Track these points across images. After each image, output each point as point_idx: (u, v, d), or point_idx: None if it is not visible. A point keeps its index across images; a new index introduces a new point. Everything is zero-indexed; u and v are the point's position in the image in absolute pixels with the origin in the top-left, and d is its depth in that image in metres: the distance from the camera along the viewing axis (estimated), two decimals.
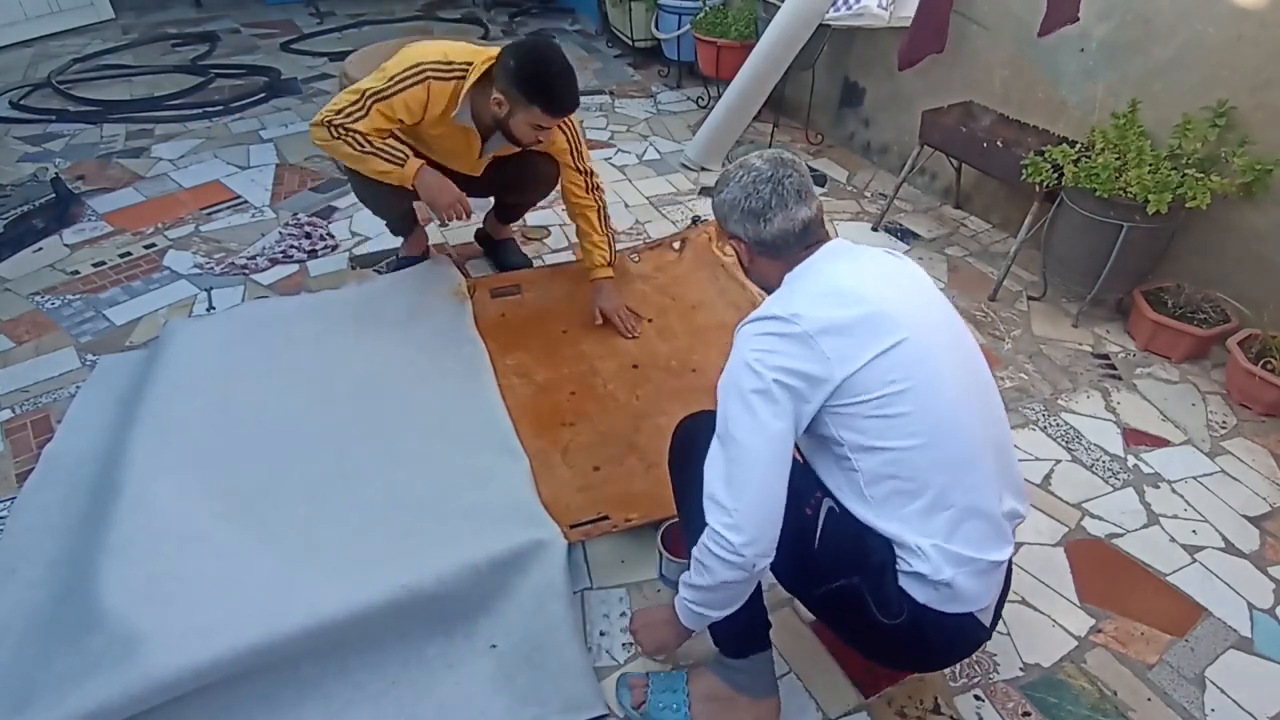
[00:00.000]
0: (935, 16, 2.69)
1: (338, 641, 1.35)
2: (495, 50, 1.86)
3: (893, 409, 1.04)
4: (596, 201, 2.15)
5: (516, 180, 2.24)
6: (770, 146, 3.30)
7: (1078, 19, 2.36)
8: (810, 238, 1.18)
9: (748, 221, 1.18)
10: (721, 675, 1.30)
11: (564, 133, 2.04)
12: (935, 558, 1.04)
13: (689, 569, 1.11)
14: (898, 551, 1.07)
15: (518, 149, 2.02)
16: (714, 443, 1.08)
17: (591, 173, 2.13)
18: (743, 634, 1.26)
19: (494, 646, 1.41)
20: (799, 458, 1.16)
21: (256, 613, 1.33)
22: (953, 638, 1.13)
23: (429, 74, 1.84)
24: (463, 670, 1.38)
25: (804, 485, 1.13)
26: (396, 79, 1.83)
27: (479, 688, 1.35)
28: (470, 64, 1.86)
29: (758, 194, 1.16)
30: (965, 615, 1.09)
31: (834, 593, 1.12)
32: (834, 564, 1.11)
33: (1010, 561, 1.15)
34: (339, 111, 1.83)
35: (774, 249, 1.19)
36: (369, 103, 1.83)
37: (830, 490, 1.13)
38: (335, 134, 1.84)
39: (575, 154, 2.08)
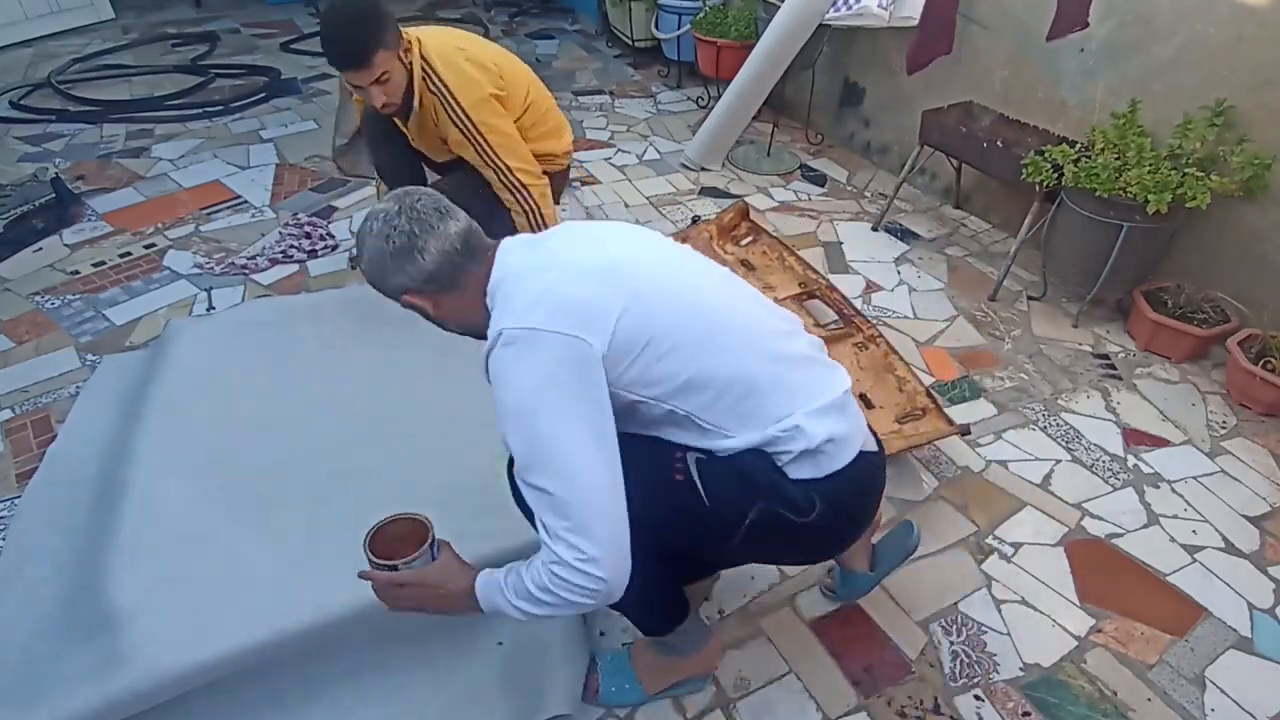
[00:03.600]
0: (941, 19, 2.69)
1: (345, 641, 1.35)
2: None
3: (664, 344, 1.02)
4: (522, 205, 2.02)
5: (451, 178, 2.15)
6: (772, 145, 3.32)
7: (1088, 24, 2.34)
8: (478, 250, 1.09)
9: (404, 264, 1.05)
10: (657, 649, 1.33)
11: (454, 124, 1.90)
12: (806, 426, 1.04)
13: (510, 586, 1.02)
14: (772, 452, 1.06)
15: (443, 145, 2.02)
16: (525, 483, 0.98)
17: (508, 169, 1.97)
18: (661, 618, 1.26)
19: (500, 644, 1.41)
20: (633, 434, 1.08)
21: (263, 612, 1.34)
22: (865, 486, 1.15)
23: None
24: (470, 670, 1.38)
25: (657, 453, 1.08)
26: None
27: (487, 687, 1.35)
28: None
29: (397, 230, 1.05)
30: (858, 457, 1.10)
31: (749, 529, 1.08)
32: (733, 505, 1.07)
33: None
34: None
35: (447, 278, 1.07)
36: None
37: (683, 444, 1.09)
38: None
39: (479, 149, 1.94)
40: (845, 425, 1.09)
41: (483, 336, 1.06)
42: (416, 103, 1.91)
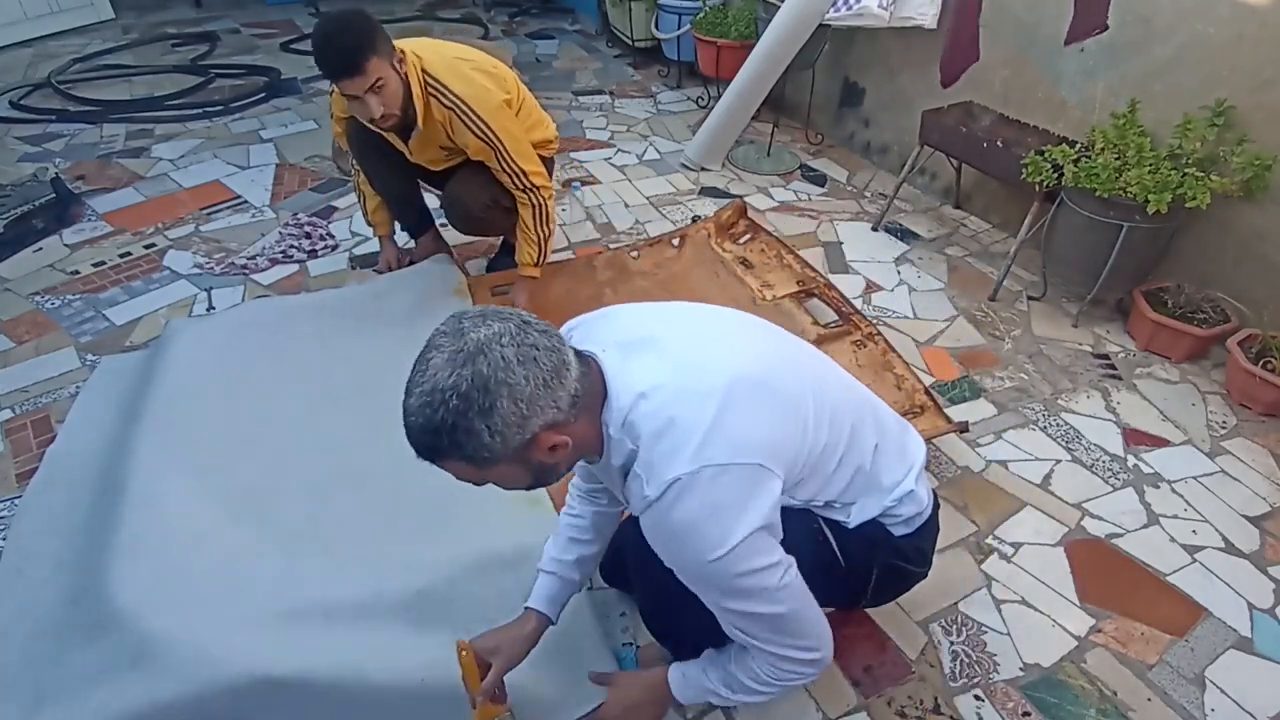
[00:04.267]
0: (967, 28, 2.70)
1: (354, 644, 1.35)
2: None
3: (825, 461, 1.05)
4: (531, 201, 2.09)
5: (449, 181, 2.21)
6: (772, 145, 3.32)
7: (1107, 26, 2.33)
8: (582, 355, 0.92)
9: (557, 393, 0.84)
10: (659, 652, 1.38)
11: (473, 134, 1.95)
12: (918, 490, 1.14)
13: (720, 681, 1.10)
14: (885, 520, 1.13)
15: (461, 150, 2.06)
16: (727, 611, 0.97)
17: (524, 173, 2.04)
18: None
19: None
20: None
21: (266, 613, 1.34)
22: (938, 527, 1.25)
23: None
24: None
25: (799, 518, 1.08)
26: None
27: (515, 690, 1.32)
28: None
29: (540, 350, 0.83)
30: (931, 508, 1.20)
31: (877, 583, 1.18)
32: (863, 562, 1.15)
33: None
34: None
35: (583, 396, 0.88)
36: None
37: (819, 516, 1.14)
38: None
39: (499, 156, 2.00)
40: (924, 484, 1.17)
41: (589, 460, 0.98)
42: (420, 119, 1.93)
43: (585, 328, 1.03)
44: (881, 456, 1.11)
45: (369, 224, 2.42)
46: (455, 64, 1.96)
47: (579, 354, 0.91)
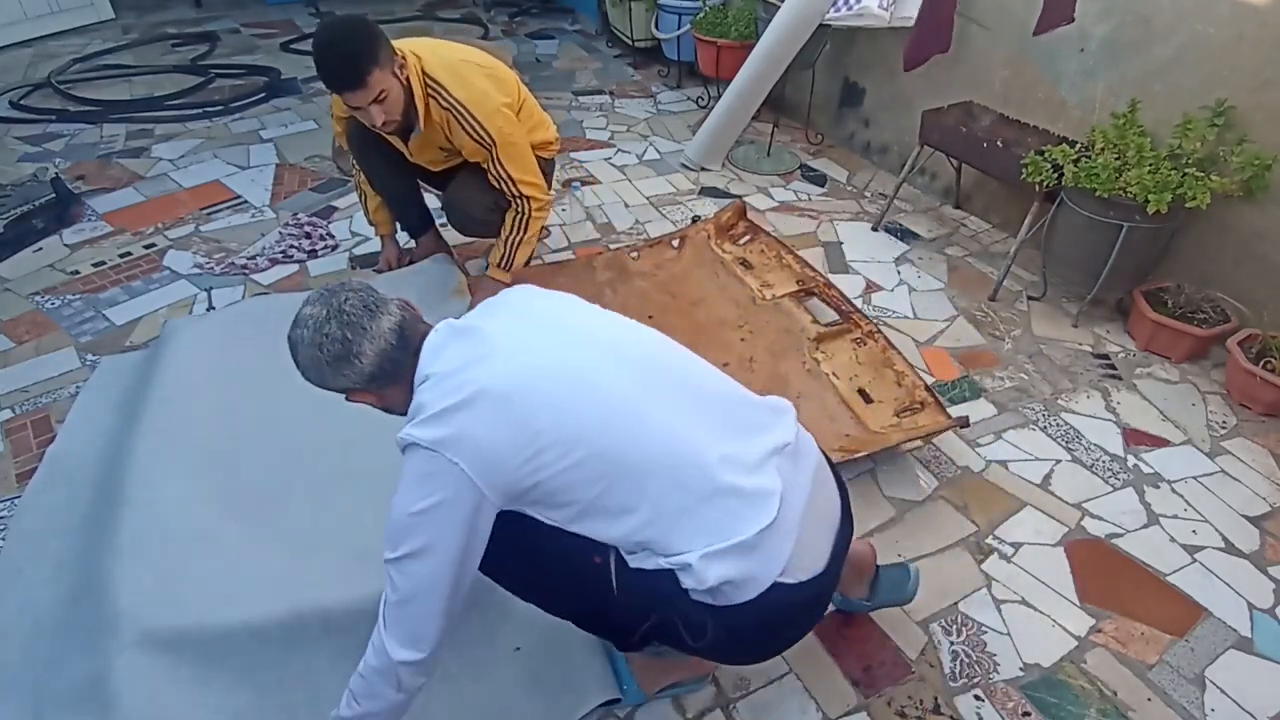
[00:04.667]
0: (938, 15, 2.69)
1: (356, 644, 1.35)
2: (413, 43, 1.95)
3: (570, 474, 1.01)
4: (516, 207, 2.12)
5: (450, 183, 2.23)
6: (772, 145, 3.32)
7: (1073, 19, 2.36)
8: (411, 339, 1.08)
9: (343, 370, 1.05)
10: (646, 653, 1.32)
11: (469, 136, 1.95)
12: (698, 567, 1.00)
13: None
14: (680, 576, 1.03)
15: (458, 152, 2.07)
16: (386, 560, 1.02)
17: (513, 180, 2.05)
18: (637, 643, 1.26)
19: (518, 649, 1.39)
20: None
21: (268, 614, 1.33)
22: (770, 620, 1.08)
23: None
24: (492, 680, 1.36)
25: (581, 541, 1.07)
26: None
27: (511, 693, 1.34)
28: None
29: (329, 339, 1.04)
30: (769, 590, 1.03)
31: (648, 631, 1.11)
32: (638, 604, 1.08)
33: (785, 500, 1.06)
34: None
35: (388, 375, 1.07)
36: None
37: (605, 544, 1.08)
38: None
39: (492, 159, 2.01)
40: (749, 566, 1.02)
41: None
42: (421, 120, 1.92)
43: (490, 304, 1.16)
44: (678, 519, 1.02)
45: (370, 223, 2.42)
46: (456, 65, 1.95)
47: (406, 336, 1.07)
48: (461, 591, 1.03)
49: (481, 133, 1.95)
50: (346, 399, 1.12)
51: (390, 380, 1.08)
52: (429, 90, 1.91)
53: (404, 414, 1.08)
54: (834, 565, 1.13)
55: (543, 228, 2.72)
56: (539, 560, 1.10)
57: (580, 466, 1.00)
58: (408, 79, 1.85)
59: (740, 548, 1.01)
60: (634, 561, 1.06)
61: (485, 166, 2.04)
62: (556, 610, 1.21)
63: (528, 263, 2.48)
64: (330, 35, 1.74)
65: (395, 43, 1.89)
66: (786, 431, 1.13)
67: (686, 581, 1.02)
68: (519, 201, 2.11)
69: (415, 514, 0.98)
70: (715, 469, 1.03)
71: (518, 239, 2.16)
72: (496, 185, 2.07)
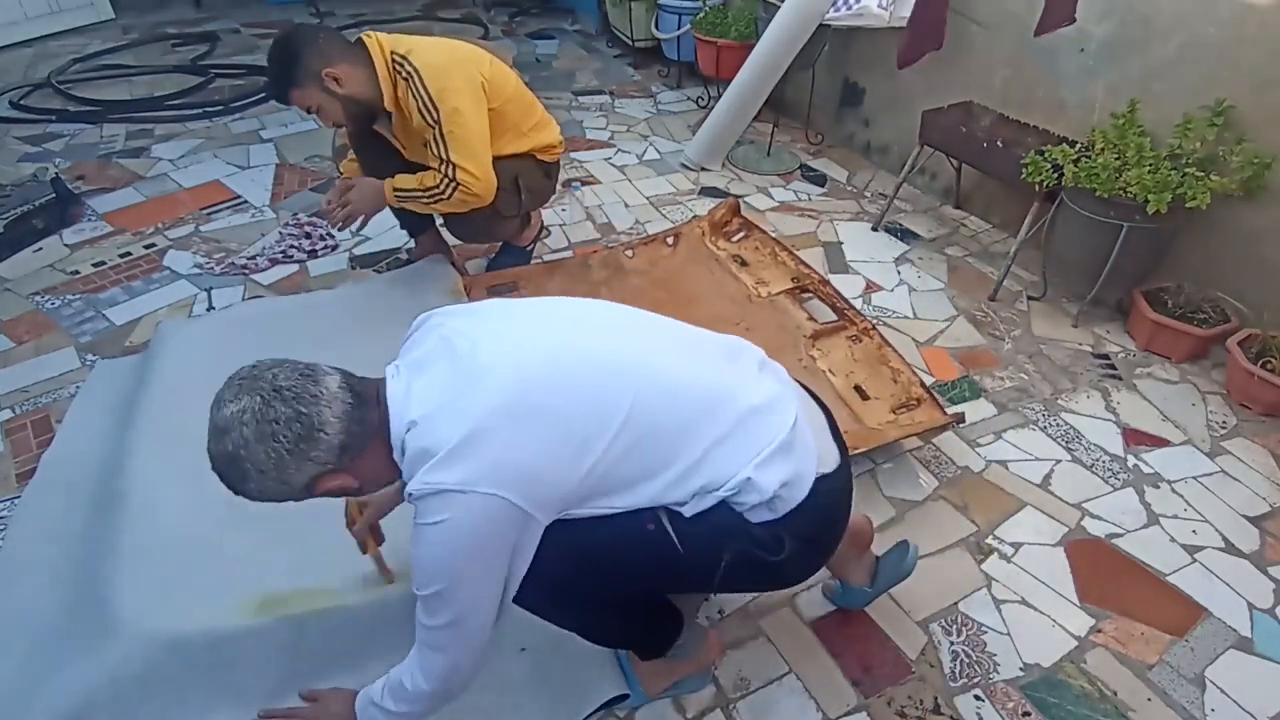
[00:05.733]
0: (931, 13, 2.69)
1: (365, 650, 1.35)
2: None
3: (615, 475, 0.99)
4: (442, 176, 1.92)
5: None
6: (772, 145, 3.32)
7: (1075, 20, 2.36)
8: (365, 394, 0.96)
9: (310, 454, 0.90)
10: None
11: (416, 104, 1.87)
12: (757, 479, 1.02)
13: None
14: (732, 503, 1.04)
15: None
16: (429, 646, 0.99)
17: (452, 164, 1.90)
18: (653, 649, 1.29)
19: (523, 650, 1.39)
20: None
21: (277, 620, 1.33)
22: (827, 514, 1.14)
23: None
24: (500, 682, 1.35)
25: (625, 516, 1.04)
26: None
27: (519, 693, 1.34)
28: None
29: (281, 423, 0.88)
30: (815, 485, 1.07)
31: (726, 571, 1.09)
32: (708, 551, 1.07)
33: (799, 411, 1.10)
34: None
35: (361, 437, 0.94)
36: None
37: (650, 508, 1.06)
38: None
39: (436, 134, 1.89)
40: (794, 465, 1.05)
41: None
42: (388, 102, 1.90)
43: (414, 335, 1.07)
44: (718, 450, 1.03)
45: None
46: (430, 45, 1.93)
47: (357, 391, 0.95)
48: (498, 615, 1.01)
49: (428, 101, 1.84)
50: (309, 496, 0.96)
51: (363, 444, 0.95)
52: (394, 66, 1.88)
53: (389, 484, 1.01)
54: (844, 454, 1.19)
55: (544, 227, 2.72)
56: (594, 559, 1.03)
57: (623, 436, 0.97)
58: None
59: (782, 449, 1.04)
60: (689, 510, 1.04)
61: (429, 147, 1.91)
62: (618, 610, 1.17)
63: (527, 262, 2.49)
64: (270, 51, 1.84)
65: (381, 38, 1.89)
66: (757, 350, 1.17)
67: (749, 498, 1.03)
68: (448, 181, 1.92)
69: (457, 563, 0.91)
70: (736, 394, 1.06)
71: (424, 198, 1.97)
72: (436, 165, 1.92)
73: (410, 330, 1.10)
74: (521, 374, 0.96)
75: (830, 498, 1.12)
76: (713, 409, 1.04)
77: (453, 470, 0.89)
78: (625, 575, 1.08)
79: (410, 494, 0.91)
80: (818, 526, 1.12)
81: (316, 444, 0.90)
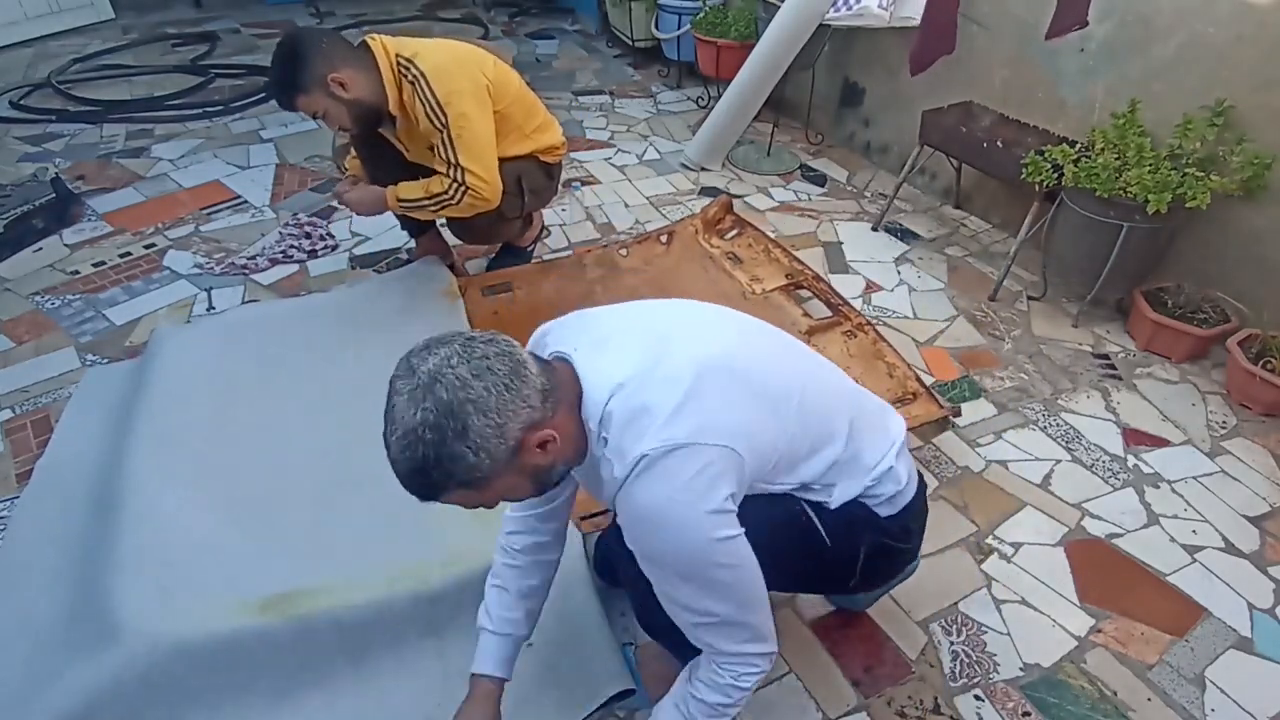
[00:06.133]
0: (943, 18, 2.69)
1: (364, 650, 1.35)
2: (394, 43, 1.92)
3: (799, 445, 1.05)
4: (450, 179, 1.92)
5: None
6: (772, 145, 3.32)
7: (1087, 23, 2.33)
8: (539, 355, 0.96)
9: (523, 392, 0.85)
10: (666, 659, 1.32)
11: (424, 107, 1.86)
12: (897, 467, 1.14)
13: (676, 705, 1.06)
14: (867, 500, 1.13)
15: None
16: (677, 605, 0.97)
17: (460, 167, 1.90)
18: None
19: (530, 644, 1.39)
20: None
21: (281, 621, 1.33)
22: (925, 501, 1.25)
23: None
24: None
25: (781, 500, 1.09)
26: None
27: (527, 687, 1.33)
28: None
29: (493, 358, 0.84)
30: (919, 479, 1.22)
31: (865, 563, 1.17)
32: (849, 543, 1.14)
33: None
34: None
35: (556, 391, 0.90)
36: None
37: (800, 499, 1.12)
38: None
39: (444, 138, 1.89)
40: (908, 459, 1.18)
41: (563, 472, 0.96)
42: (393, 105, 1.90)
43: (557, 331, 1.04)
44: (861, 436, 1.11)
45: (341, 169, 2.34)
46: (434, 47, 1.92)
47: (542, 358, 0.94)
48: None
49: (434, 104, 1.84)
50: (509, 471, 0.87)
51: (558, 396, 0.90)
52: (400, 70, 1.87)
53: (575, 461, 0.96)
54: None
55: (544, 227, 2.73)
56: (763, 544, 0.99)
57: (798, 410, 1.02)
58: (380, 68, 1.85)
59: (901, 445, 1.17)
60: (834, 502, 1.11)
61: (435, 151, 1.90)
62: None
63: (528, 262, 2.49)
64: (274, 56, 1.82)
65: (385, 40, 1.89)
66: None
67: (885, 489, 1.12)
68: (456, 185, 1.92)
69: (712, 514, 0.89)
70: (852, 387, 1.18)
71: (432, 205, 1.98)
72: (443, 169, 1.92)
73: (534, 341, 1.06)
74: (710, 346, 0.99)
75: (924, 492, 1.24)
76: (857, 399, 1.16)
77: (683, 425, 0.89)
78: (787, 568, 1.06)
79: (641, 455, 0.88)
80: (923, 515, 1.24)
81: (525, 381, 0.85)
